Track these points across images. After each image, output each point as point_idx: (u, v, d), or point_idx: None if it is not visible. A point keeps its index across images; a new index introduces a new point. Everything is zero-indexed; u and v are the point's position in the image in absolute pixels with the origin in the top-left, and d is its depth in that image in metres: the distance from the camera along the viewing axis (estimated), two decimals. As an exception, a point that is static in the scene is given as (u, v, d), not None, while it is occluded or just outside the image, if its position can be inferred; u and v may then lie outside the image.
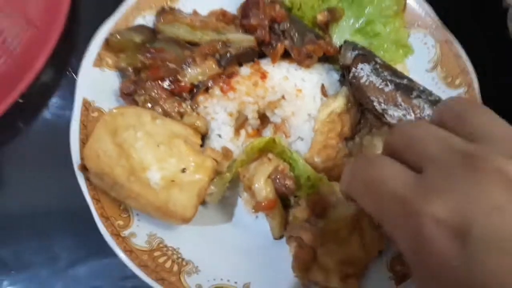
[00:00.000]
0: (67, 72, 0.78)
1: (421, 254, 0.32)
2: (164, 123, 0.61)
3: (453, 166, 0.32)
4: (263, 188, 0.59)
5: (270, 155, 0.61)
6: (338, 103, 0.66)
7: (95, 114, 0.64)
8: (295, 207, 0.62)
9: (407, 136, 0.36)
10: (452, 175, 0.32)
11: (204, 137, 0.67)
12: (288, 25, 0.68)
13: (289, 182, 0.60)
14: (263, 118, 0.70)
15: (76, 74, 0.76)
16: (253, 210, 0.61)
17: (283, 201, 0.63)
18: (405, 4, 0.72)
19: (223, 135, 0.67)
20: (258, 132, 0.70)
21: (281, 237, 0.63)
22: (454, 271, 0.30)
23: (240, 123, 0.68)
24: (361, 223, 0.61)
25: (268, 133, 0.69)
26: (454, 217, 0.30)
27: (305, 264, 0.59)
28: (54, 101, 0.76)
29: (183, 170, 0.56)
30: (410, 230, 0.32)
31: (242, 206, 0.65)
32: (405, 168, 0.35)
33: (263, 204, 0.58)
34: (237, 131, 0.68)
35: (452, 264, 0.30)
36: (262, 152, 0.63)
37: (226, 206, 0.66)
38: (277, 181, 0.60)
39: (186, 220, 0.56)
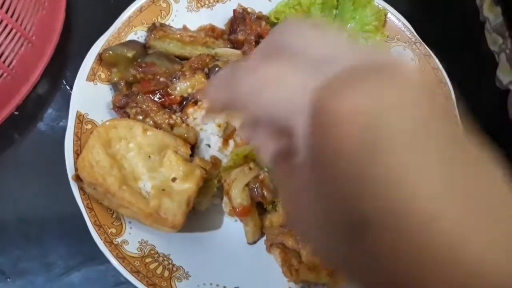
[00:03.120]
0: (61, 85, 0.81)
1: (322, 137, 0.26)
2: (155, 134, 0.63)
3: None
4: (239, 195, 0.62)
5: (252, 164, 0.64)
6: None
7: (89, 126, 0.66)
8: (271, 212, 0.65)
9: None
10: None
11: (193, 147, 0.70)
12: (273, 40, 0.71)
13: (266, 192, 0.63)
14: (251, 128, 0.73)
15: (70, 86, 0.79)
16: (228, 214, 0.65)
17: (261, 205, 0.67)
18: (385, 20, 0.75)
19: (212, 145, 0.70)
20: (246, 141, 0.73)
21: (254, 242, 0.66)
22: (355, 159, 0.25)
23: (229, 133, 0.71)
24: None
25: (256, 142, 0.72)
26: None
27: (294, 267, 0.62)
28: (49, 112, 0.79)
29: (173, 179, 0.59)
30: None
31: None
32: None
33: (237, 210, 0.62)
34: (225, 141, 0.71)
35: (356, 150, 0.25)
36: (247, 159, 0.66)
37: (215, 213, 0.69)
38: (255, 190, 0.63)
39: (175, 227, 0.59)
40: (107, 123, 0.63)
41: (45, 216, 0.72)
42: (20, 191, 0.74)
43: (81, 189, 0.63)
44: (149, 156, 0.60)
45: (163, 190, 0.58)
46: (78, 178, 0.62)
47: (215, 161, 0.69)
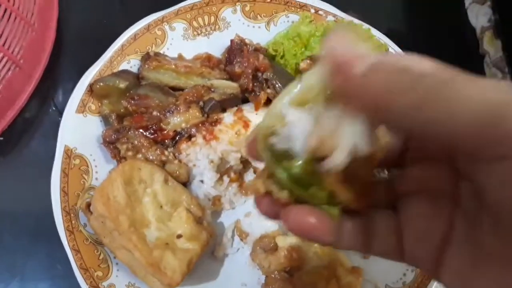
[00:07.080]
0: (50, 109, 0.77)
1: None
2: (174, 187, 0.62)
3: None
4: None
5: None
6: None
7: (77, 161, 0.64)
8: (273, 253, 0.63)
9: None
10: None
11: (185, 184, 0.67)
12: (271, 74, 0.69)
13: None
14: (245, 162, 0.71)
15: (59, 110, 0.76)
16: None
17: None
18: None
19: (206, 181, 0.68)
20: (240, 175, 0.71)
21: None
22: None
23: (225, 170, 0.69)
24: (336, 271, 0.63)
25: (249, 176, 0.70)
26: None
27: None
28: (36, 138, 0.75)
29: (178, 236, 0.57)
30: None
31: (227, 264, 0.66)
32: None
33: None
34: (220, 177, 0.69)
35: None
36: None
37: (211, 264, 0.66)
38: None
39: (172, 285, 0.56)
40: (134, 162, 0.62)
41: (27, 249, 0.69)
42: (1, 222, 0.71)
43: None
44: (161, 206, 0.58)
45: (167, 244, 0.56)
46: (87, 208, 0.60)
47: (215, 201, 0.67)
